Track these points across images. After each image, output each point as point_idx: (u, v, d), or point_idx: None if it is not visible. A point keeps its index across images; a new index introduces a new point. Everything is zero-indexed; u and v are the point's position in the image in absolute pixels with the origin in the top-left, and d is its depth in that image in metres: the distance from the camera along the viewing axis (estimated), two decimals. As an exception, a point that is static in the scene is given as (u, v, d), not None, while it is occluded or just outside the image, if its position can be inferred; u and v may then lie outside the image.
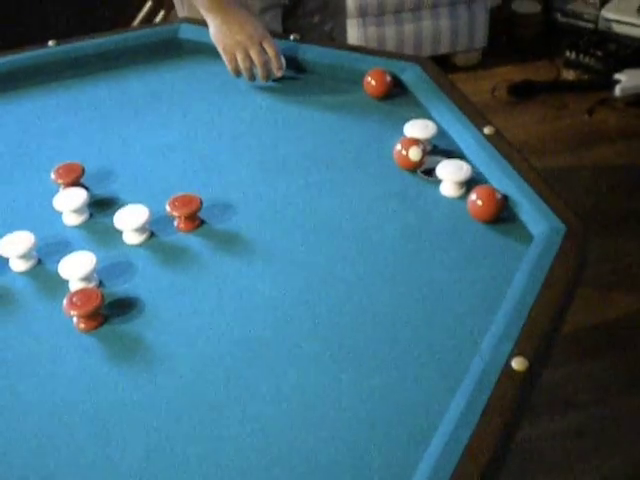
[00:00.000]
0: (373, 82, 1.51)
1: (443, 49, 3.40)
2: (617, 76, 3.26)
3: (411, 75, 1.52)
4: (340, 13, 2.00)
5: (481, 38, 3.42)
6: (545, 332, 0.98)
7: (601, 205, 2.80)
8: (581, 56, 3.38)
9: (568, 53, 3.41)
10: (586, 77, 3.38)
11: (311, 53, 1.62)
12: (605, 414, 2.06)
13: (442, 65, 3.37)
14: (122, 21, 3.33)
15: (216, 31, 1.60)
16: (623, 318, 2.36)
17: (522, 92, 3.33)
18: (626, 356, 2.23)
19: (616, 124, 3.21)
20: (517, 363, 0.93)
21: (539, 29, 3.63)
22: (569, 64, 3.41)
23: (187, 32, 1.75)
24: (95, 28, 1.86)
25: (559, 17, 3.68)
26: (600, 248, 2.55)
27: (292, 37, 1.67)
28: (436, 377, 0.98)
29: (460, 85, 3.31)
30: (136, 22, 3.38)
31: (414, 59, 1.57)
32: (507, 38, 3.62)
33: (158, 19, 3.36)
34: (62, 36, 1.76)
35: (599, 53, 3.36)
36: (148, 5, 3.37)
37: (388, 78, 1.51)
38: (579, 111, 3.25)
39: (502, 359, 0.94)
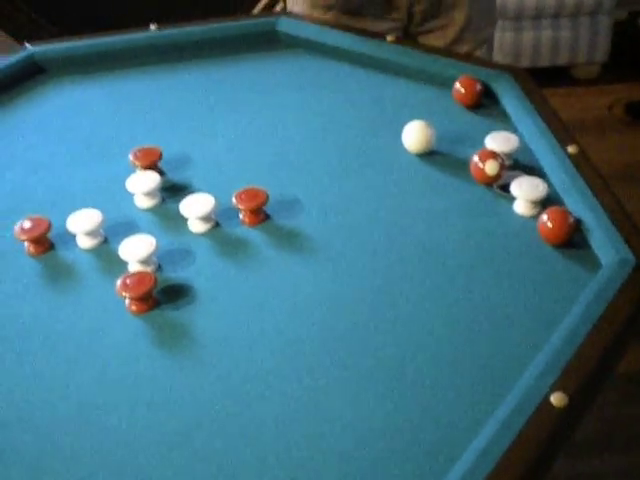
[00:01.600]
0: (462, 89, 1.48)
1: (562, 60, 3.31)
2: None
3: (502, 85, 1.48)
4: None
5: (602, 51, 3.30)
6: (592, 369, 0.93)
7: None
8: None
9: (694, 74, 3.26)
10: None
11: (404, 56, 1.59)
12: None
13: (560, 77, 3.33)
14: (243, 8, 3.38)
15: None
16: None
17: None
18: None
19: None
20: (556, 398, 0.89)
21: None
22: (694, 85, 3.27)
23: (286, 25, 1.75)
24: (213, 14, 1.87)
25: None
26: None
27: (388, 38, 1.65)
28: (472, 403, 0.95)
29: (577, 99, 3.27)
30: (256, 10, 3.41)
31: (508, 69, 1.52)
32: (630, 54, 3.48)
33: (278, 9, 3.39)
34: (178, 20, 1.79)
35: None
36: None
37: (478, 87, 1.47)
38: (699, 135, 3.11)
39: (541, 392, 0.90)
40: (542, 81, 3.16)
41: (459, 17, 1.80)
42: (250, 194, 1.25)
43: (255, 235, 1.24)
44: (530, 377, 0.93)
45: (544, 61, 3.30)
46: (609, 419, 2.06)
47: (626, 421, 2.06)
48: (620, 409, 2.09)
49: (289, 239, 1.23)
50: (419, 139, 1.36)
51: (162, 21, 1.79)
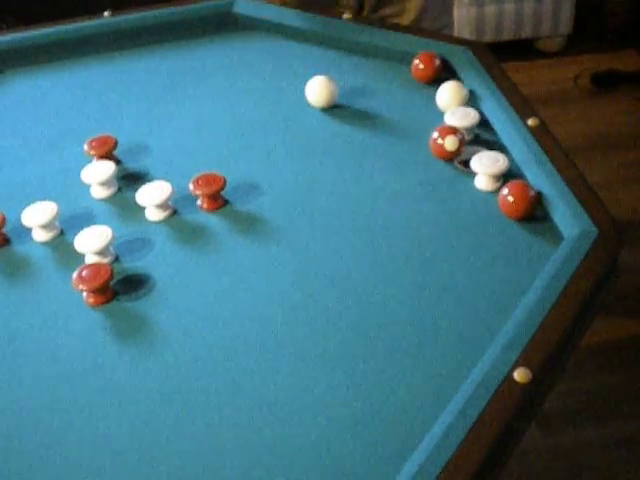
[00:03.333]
0: (421, 65, 1.46)
1: (526, 33, 3.29)
2: None
3: (462, 60, 1.46)
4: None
5: (566, 24, 3.30)
6: (556, 343, 0.92)
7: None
8: (673, 46, 3.24)
9: (659, 43, 3.27)
10: (677, 69, 3.23)
11: (361, 33, 1.57)
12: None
13: (525, 50, 3.32)
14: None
15: None
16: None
17: (606, 82, 3.21)
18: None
19: (703, 119, 3.06)
20: (519, 374, 0.88)
21: (629, 17, 3.48)
22: (659, 54, 3.27)
23: (243, 7, 1.72)
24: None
25: (653, 4, 3.52)
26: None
27: (345, 16, 1.62)
28: (436, 381, 0.93)
29: (541, 71, 3.26)
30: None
31: (466, 43, 1.51)
32: (595, 25, 3.47)
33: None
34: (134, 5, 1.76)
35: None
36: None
37: (437, 62, 1.45)
38: (665, 104, 3.12)
39: (504, 369, 0.89)
40: (507, 55, 3.19)
41: (413, 5, 1.76)
42: (207, 179, 1.23)
43: (214, 221, 1.22)
44: (493, 353, 0.92)
45: (508, 35, 3.29)
46: (585, 390, 2.06)
47: (603, 391, 2.06)
48: (596, 379, 2.10)
49: (248, 224, 1.21)
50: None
51: (118, 7, 1.75)
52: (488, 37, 3.26)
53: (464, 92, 1.37)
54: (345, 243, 1.16)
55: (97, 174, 1.28)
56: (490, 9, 3.21)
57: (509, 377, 0.88)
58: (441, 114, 1.34)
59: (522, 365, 0.89)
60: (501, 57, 1.51)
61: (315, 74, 1.45)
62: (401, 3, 1.75)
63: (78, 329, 1.07)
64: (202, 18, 1.71)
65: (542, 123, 1.27)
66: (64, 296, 1.12)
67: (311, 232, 1.18)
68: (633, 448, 1.93)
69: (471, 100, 1.38)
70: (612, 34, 3.46)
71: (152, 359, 1.02)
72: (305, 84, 1.44)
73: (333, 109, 1.43)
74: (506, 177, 1.21)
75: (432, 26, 1.74)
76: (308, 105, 1.45)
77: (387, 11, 1.76)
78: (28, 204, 1.24)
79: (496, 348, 0.92)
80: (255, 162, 1.33)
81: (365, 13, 1.76)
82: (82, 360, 1.03)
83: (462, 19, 3.19)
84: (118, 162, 1.34)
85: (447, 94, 1.37)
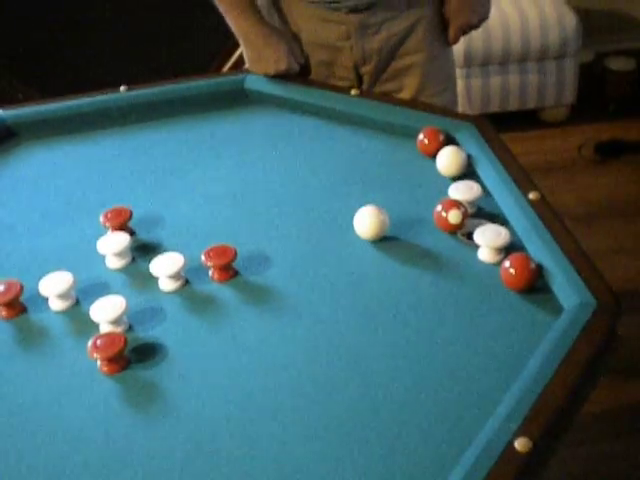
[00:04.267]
0: (426, 140, 1.51)
1: (530, 104, 3.36)
2: None
3: (465, 135, 1.51)
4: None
5: (570, 94, 3.37)
6: (556, 413, 0.94)
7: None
8: (675, 116, 3.30)
9: (661, 113, 3.33)
10: (679, 138, 3.28)
11: (367, 108, 1.63)
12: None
13: (529, 120, 3.38)
14: (215, 65, 3.43)
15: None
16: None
17: (610, 151, 3.26)
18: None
19: None
20: (520, 444, 0.90)
21: (633, 87, 3.55)
22: (661, 124, 3.33)
23: (253, 82, 1.78)
24: (187, 72, 1.90)
25: (654, 75, 3.59)
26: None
27: (352, 92, 1.68)
28: (438, 451, 0.96)
29: (546, 141, 3.32)
30: (226, 68, 3.46)
31: (469, 118, 1.56)
32: (598, 95, 3.55)
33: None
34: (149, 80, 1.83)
35: (694, 114, 3.27)
36: (240, 50, 3.44)
37: (441, 137, 1.50)
38: (668, 173, 3.16)
39: (505, 438, 0.91)
40: (511, 125, 3.26)
41: (411, 83, 1.81)
42: (219, 251, 1.27)
43: (224, 292, 1.26)
44: (494, 423, 0.94)
45: (513, 105, 3.36)
46: (587, 456, 2.07)
47: (606, 458, 2.07)
48: (599, 446, 2.10)
49: (258, 295, 1.25)
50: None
51: (133, 82, 1.82)
52: (493, 108, 3.33)
53: (462, 156, 1.43)
54: (351, 315, 1.19)
55: (112, 245, 1.33)
56: (495, 80, 3.29)
57: (510, 447, 0.90)
58: (445, 187, 1.38)
59: (523, 435, 0.91)
60: (506, 127, 1.55)
61: (322, 147, 1.51)
62: (398, 80, 1.81)
63: (92, 397, 1.11)
64: (215, 93, 1.77)
65: (542, 197, 1.32)
66: (79, 364, 1.15)
67: (319, 304, 1.22)
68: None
69: (474, 174, 1.42)
70: (614, 104, 3.52)
71: (165, 427, 1.05)
72: (312, 156, 1.49)
73: (342, 186, 1.47)
74: (508, 249, 1.24)
75: (433, 102, 1.79)
76: (315, 178, 1.49)
77: (385, 86, 1.82)
78: (45, 274, 1.28)
79: (497, 418, 0.95)
80: (265, 234, 1.37)
81: (365, 88, 1.82)
82: (96, 428, 1.06)
83: (468, 91, 3.26)
84: (132, 233, 1.39)
85: (446, 159, 1.44)
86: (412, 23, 1.77)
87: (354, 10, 1.71)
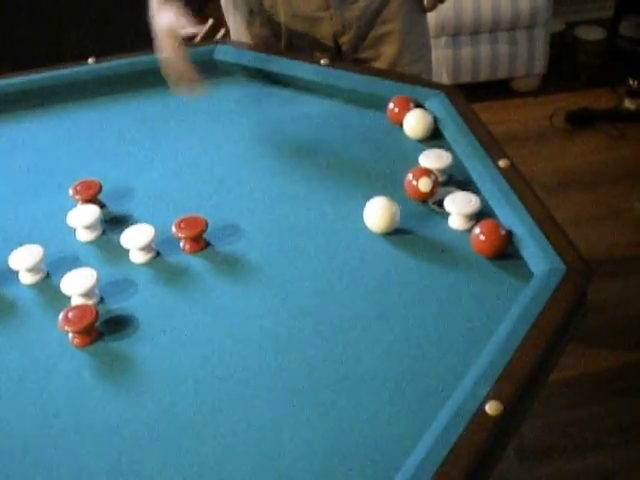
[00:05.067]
0: (396, 109, 1.51)
1: (501, 73, 3.37)
2: (680, 106, 3.18)
3: (435, 103, 1.51)
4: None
5: (541, 64, 3.37)
6: (526, 377, 0.95)
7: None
8: (644, 85, 3.31)
9: (631, 81, 3.34)
10: (648, 106, 3.30)
11: (338, 78, 1.62)
12: (631, 457, 2.00)
13: (501, 90, 3.39)
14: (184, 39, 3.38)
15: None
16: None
17: (580, 120, 3.27)
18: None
19: (676, 156, 3.13)
20: (491, 407, 0.91)
21: (602, 56, 3.56)
22: (631, 93, 3.34)
23: (223, 53, 1.77)
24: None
25: (624, 44, 3.60)
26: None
27: (322, 62, 1.67)
28: (410, 415, 0.97)
29: (517, 111, 3.34)
30: (197, 39, 3.42)
31: (441, 87, 1.56)
32: (568, 64, 3.56)
33: (219, 37, 3.40)
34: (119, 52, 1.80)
35: (663, 82, 3.29)
36: (209, 23, 3.40)
37: (411, 105, 1.50)
38: (638, 142, 3.18)
39: (476, 402, 0.92)
40: (483, 95, 3.26)
41: (389, 50, 1.80)
42: (189, 222, 1.27)
43: (196, 263, 1.25)
44: (465, 388, 0.95)
45: (484, 75, 3.36)
46: (562, 423, 2.10)
47: (579, 425, 2.10)
48: (571, 413, 2.13)
49: (230, 266, 1.25)
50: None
51: (102, 54, 1.80)
52: (464, 78, 3.33)
53: (428, 118, 1.45)
54: (322, 282, 1.20)
55: (82, 217, 1.32)
56: (466, 51, 3.28)
57: (481, 410, 0.91)
58: (416, 155, 1.38)
59: (493, 398, 0.92)
60: (478, 97, 1.56)
61: (291, 118, 1.51)
62: (376, 48, 1.80)
63: (64, 370, 1.10)
64: (184, 64, 1.75)
65: (512, 164, 1.32)
66: (50, 337, 1.15)
67: (289, 272, 1.22)
68: (608, 480, 1.96)
69: (445, 142, 1.43)
70: (585, 73, 3.53)
71: (137, 397, 1.05)
72: (282, 126, 1.48)
73: (313, 155, 1.47)
74: (478, 216, 1.25)
75: (408, 71, 1.79)
76: (286, 149, 1.49)
77: (363, 54, 1.81)
78: (14, 247, 1.27)
79: (468, 382, 0.96)
80: (236, 205, 1.37)
81: (342, 56, 1.81)
82: (68, 400, 1.06)
83: (439, 61, 3.26)
84: (102, 206, 1.38)
85: (412, 120, 1.46)
86: None
87: None
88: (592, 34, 3.55)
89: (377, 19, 1.78)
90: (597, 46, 3.54)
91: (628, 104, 3.33)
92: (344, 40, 1.79)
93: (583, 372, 2.22)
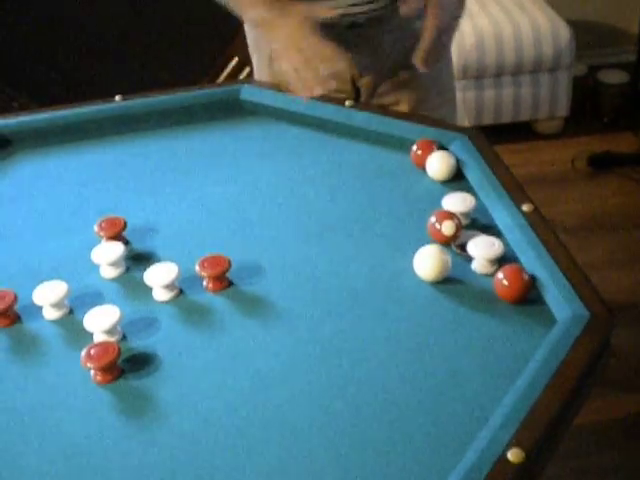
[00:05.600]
0: (420, 152, 1.51)
1: (524, 116, 3.38)
2: (703, 151, 3.18)
3: (458, 146, 1.52)
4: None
5: (563, 106, 3.38)
6: (548, 423, 0.95)
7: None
8: (667, 129, 3.31)
9: (654, 126, 3.35)
10: (671, 151, 3.30)
11: (361, 119, 1.63)
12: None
13: (523, 132, 3.40)
14: (209, 76, 3.44)
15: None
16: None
17: (602, 163, 3.27)
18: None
19: (699, 202, 3.12)
20: (512, 454, 0.91)
21: (625, 100, 3.57)
22: (654, 137, 3.35)
23: (249, 93, 1.78)
24: (179, 84, 1.90)
25: (647, 88, 3.61)
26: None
27: (347, 103, 1.69)
28: (431, 460, 0.96)
29: (540, 153, 3.34)
30: (221, 79, 3.47)
31: (463, 130, 1.57)
32: (591, 108, 3.57)
33: (243, 76, 3.44)
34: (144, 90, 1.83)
35: (686, 127, 3.29)
36: (234, 61, 3.45)
37: (434, 148, 1.51)
38: (661, 185, 3.18)
39: (498, 449, 0.91)
40: (505, 137, 3.28)
41: (409, 97, 1.80)
42: (213, 261, 1.27)
43: (218, 302, 1.26)
44: (487, 434, 0.95)
45: (506, 117, 3.38)
46: (582, 469, 2.07)
47: (600, 470, 2.07)
48: (592, 458, 2.10)
49: (253, 305, 1.25)
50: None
51: (129, 92, 1.82)
52: (487, 120, 3.34)
53: (451, 159, 1.46)
54: (347, 323, 1.19)
55: (106, 254, 1.33)
56: (489, 93, 3.30)
57: (503, 457, 0.90)
58: (439, 198, 1.39)
59: (515, 445, 0.92)
60: (500, 139, 1.57)
61: (317, 158, 1.52)
62: (396, 93, 1.81)
63: (85, 406, 1.11)
64: (210, 104, 1.77)
65: (536, 209, 1.32)
66: (72, 374, 1.15)
67: (313, 314, 1.22)
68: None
69: (467, 186, 1.43)
70: (608, 116, 3.54)
71: (157, 437, 1.05)
72: (307, 167, 1.49)
73: (337, 196, 1.48)
74: (501, 261, 1.25)
75: (431, 115, 1.80)
76: (310, 189, 1.50)
77: (383, 101, 1.82)
78: (39, 283, 1.28)
79: (490, 429, 0.95)
80: (259, 244, 1.38)
81: (361, 99, 1.82)
82: (88, 437, 1.06)
83: (461, 103, 3.28)
84: (127, 243, 1.39)
85: (435, 162, 1.47)
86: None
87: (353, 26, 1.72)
88: (615, 78, 3.56)
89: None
90: (620, 89, 3.55)
91: (650, 148, 3.34)
92: (363, 83, 1.80)
93: (604, 418, 2.19)
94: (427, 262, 1.25)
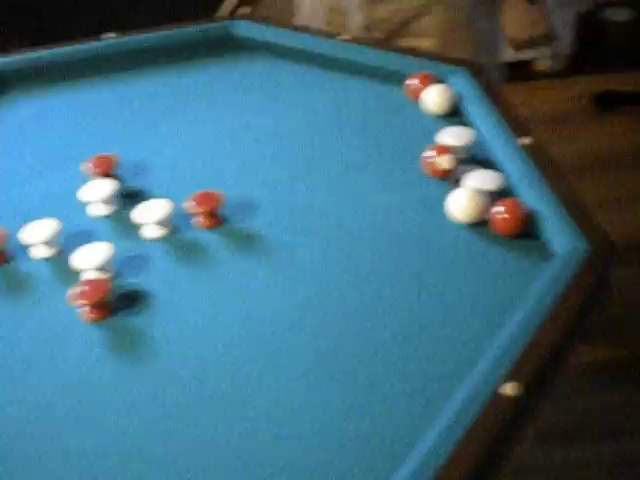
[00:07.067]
0: (417, 83, 1.48)
1: (525, 54, 3.31)
2: None
3: (458, 80, 1.48)
4: None
5: (566, 44, 3.32)
6: (546, 358, 0.93)
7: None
8: (674, 67, 3.25)
9: (659, 64, 3.28)
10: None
11: (359, 53, 1.59)
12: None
13: (526, 71, 3.34)
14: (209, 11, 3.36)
15: None
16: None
17: (607, 102, 3.22)
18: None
19: None
20: (509, 388, 0.89)
21: (630, 38, 3.50)
22: (660, 75, 3.29)
23: (242, 29, 1.75)
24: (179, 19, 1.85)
25: (653, 26, 3.54)
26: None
27: (344, 37, 1.65)
28: (427, 394, 0.95)
29: (542, 92, 3.28)
30: (221, 13, 3.39)
31: (463, 63, 1.53)
32: (595, 45, 3.50)
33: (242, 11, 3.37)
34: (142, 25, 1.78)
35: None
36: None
37: (432, 81, 1.47)
38: (667, 125, 3.13)
39: (494, 382, 0.90)
40: (507, 76, 3.19)
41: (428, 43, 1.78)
42: (205, 197, 1.25)
43: (211, 238, 1.24)
44: (483, 368, 0.93)
45: (508, 55, 3.31)
46: (582, 409, 2.07)
47: (598, 411, 2.07)
48: (591, 399, 2.10)
49: (244, 242, 1.23)
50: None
51: (125, 27, 1.78)
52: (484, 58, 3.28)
53: (450, 93, 1.43)
54: (340, 261, 1.17)
55: (97, 192, 1.30)
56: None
57: (499, 391, 0.89)
58: (436, 132, 1.35)
59: (512, 379, 0.90)
60: (498, 77, 1.53)
61: (313, 94, 1.49)
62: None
63: (77, 345, 1.09)
64: (204, 40, 1.74)
65: (537, 142, 1.29)
66: (64, 311, 1.13)
67: (307, 250, 1.20)
68: (630, 467, 1.93)
69: (467, 120, 1.40)
70: (613, 55, 3.48)
71: (149, 374, 1.04)
72: (303, 102, 1.46)
73: (333, 131, 1.45)
74: (500, 195, 1.22)
75: None
76: (306, 125, 1.47)
77: None
78: (30, 221, 1.26)
79: (486, 362, 0.94)
80: (254, 181, 1.35)
81: None
82: (80, 374, 1.05)
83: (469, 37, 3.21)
84: (119, 180, 1.36)
85: (432, 95, 1.43)
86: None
87: None
88: (620, 15, 3.49)
89: (404, 30, 1.76)
90: (625, 27, 3.48)
91: (656, 86, 3.28)
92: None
93: (602, 358, 2.19)
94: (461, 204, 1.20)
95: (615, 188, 2.83)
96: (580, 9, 3.39)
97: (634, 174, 2.91)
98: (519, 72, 3.37)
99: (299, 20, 1.99)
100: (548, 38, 1.42)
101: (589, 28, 3.50)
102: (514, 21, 1.62)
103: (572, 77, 3.39)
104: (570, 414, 2.05)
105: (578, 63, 3.43)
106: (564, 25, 3.28)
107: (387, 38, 1.76)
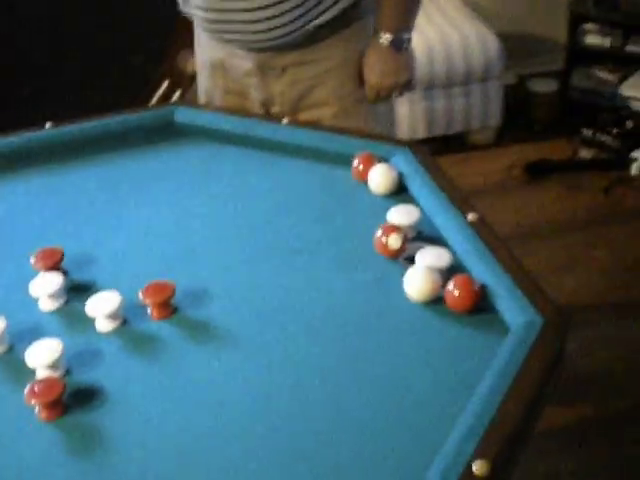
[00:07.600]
0: (361, 166, 1.50)
1: (456, 127, 3.41)
2: (634, 154, 3.24)
3: (400, 159, 1.51)
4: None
5: (496, 116, 3.42)
6: (512, 432, 0.93)
7: (617, 286, 2.75)
8: (598, 134, 3.36)
9: (585, 131, 3.40)
10: (603, 156, 3.35)
11: (300, 136, 1.61)
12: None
13: (457, 144, 3.42)
14: (140, 100, 3.38)
15: None
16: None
17: (538, 171, 3.31)
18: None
19: (633, 203, 3.17)
20: (478, 466, 0.89)
21: (556, 107, 3.62)
22: (586, 142, 3.40)
23: (183, 115, 1.75)
24: (112, 108, 1.85)
25: (576, 95, 3.67)
26: (616, 329, 2.51)
27: (285, 120, 1.67)
28: (396, 473, 0.94)
29: (475, 163, 3.37)
30: (154, 101, 3.42)
31: (404, 143, 1.56)
32: (523, 116, 3.61)
33: (175, 98, 3.40)
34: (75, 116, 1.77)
35: (616, 131, 3.34)
36: (165, 84, 3.41)
37: (375, 162, 1.49)
38: (595, 190, 3.22)
39: (463, 461, 0.90)
40: (439, 149, 3.28)
41: (329, 112, 1.79)
42: (156, 288, 1.24)
43: (164, 329, 1.22)
44: (450, 448, 0.93)
45: (439, 130, 3.40)
46: (543, 473, 2.07)
47: (554, 476, 2.07)
48: (550, 462, 2.11)
49: (198, 331, 1.21)
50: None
51: (59, 118, 1.77)
52: (420, 134, 3.36)
53: (394, 173, 1.45)
54: (297, 346, 1.17)
55: (45, 286, 1.28)
56: (421, 106, 3.32)
57: (468, 469, 0.89)
58: (384, 212, 1.37)
59: (480, 457, 0.90)
60: (434, 151, 1.56)
61: (256, 178, 1.50)
62: (317, 111, 1.79)
63: (31, 445, 1.06)
64: (143, 128, 1.73)
65: (481, 218, 1.31)
66: (16, 411, 1.10)
67: (262, 337, 1.19)
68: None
69: (412, 198, 1.42)
70: (540, 125, 3.59)
71: (106, 472, 1.01)
72: (246, 187, 1.48)
73: (279, 215, 1.45)
74: (450, 272, 1.24)
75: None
76: (251, 210, 1.47)
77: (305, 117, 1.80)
78: (-27, 320, 1.22)
79: (453, 442, 0.93)
80: (203, 268, 1.34)
81: None
82: (32, 474, 1.02)
83: (402, 115, 3.29)
84: (65, 273, 1.34)
85: (377, 176, 1.45)
86: (320, 73, 1.76)
87: (255, 49, 1.70)
88: (544, 86, 3.62)
89: (305, 100, 1.77)
90: (550, 98, 3.61)
91: (584, 154, 3.38)
92: (274, 111, 1.79)
93: (559, 423, 2.20)
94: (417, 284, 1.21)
95: (550, 255, 2.89)
96: (507, 81, 3.50)
97: (566, 240, 2.98)
98: (454, 144, 3.46)
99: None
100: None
101: (516, 99, 3.61)
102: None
103: (503, 148, 3.48)
104: (532, 478, 2.05)
105: (508, 134, 3.53)
106: (492, 99, 3.37)
107: (288, 111, 1.78)
